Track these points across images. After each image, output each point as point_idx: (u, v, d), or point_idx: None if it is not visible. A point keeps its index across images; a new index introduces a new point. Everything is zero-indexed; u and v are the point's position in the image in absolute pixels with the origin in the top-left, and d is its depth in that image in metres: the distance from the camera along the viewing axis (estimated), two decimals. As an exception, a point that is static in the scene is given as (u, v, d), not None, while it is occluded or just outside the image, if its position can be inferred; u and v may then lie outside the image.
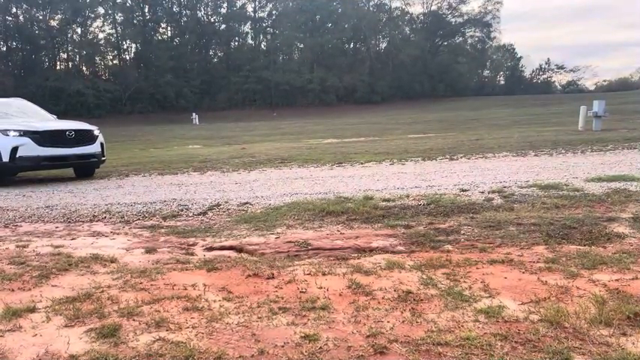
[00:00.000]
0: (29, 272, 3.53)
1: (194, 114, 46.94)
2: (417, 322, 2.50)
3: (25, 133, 8.68)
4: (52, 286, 3.26)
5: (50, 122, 9.94)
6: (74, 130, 9.24)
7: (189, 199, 6.65)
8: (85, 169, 10.01)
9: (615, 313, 2.47)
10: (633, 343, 2.21)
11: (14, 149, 8.49)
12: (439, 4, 67.02)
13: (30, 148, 8.59)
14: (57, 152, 8.94)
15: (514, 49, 75.95)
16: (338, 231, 4.70)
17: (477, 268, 3.31)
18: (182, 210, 5.96)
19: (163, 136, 27.74)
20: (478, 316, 2.54)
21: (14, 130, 8.68)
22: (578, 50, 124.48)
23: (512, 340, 2.27)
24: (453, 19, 67.44)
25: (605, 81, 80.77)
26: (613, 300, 2.67)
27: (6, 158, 8.52)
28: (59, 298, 2.97)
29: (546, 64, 76.42)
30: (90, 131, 9.56)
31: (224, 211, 5.80)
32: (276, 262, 3.59)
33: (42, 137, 8.73)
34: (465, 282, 3.06)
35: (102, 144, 9.71)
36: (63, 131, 9.14)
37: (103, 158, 9.94)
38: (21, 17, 53.10)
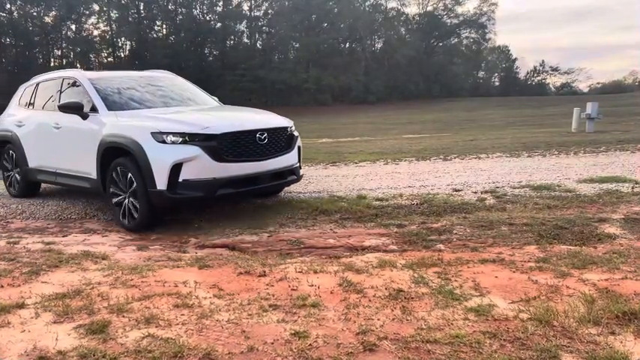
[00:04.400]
0: (19, 268, 3.51)
1: (189, 112, 46.63)
2: (407, 320, 2.50)
3: (192, 138, 4.84)
4: (42, 282, 3.24)
5: (225, 113, 6.01)
6: (266, 130, 5.28)
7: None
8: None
9: (604, 312, 2.49)
10: (621, 342, 2.23)
11: (175, 168, 4.75)
12: (435, 5, 67.22)
13: (202, 166, 4.81)
14: (245, 170, 5.06)
15: (509, 50, 76.25)
16: (331, 230, 4.71)
17: (468, 267, 3.32)
18: (175, 209, 5.94)
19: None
20: (468, 315, 2.55)
21: (174, 134, 4.84)
22: (573, 52, 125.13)
23: (501, 338, 2.28)
24: (449, 20, 67.63)
25: (598, 83, 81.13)
26: (602, 299, 2.69)
27: (162, 184, 4.75)
28: (49, 295, 2.96)
29: (541, 65, 76.76)
30: (285, 129, 5.61)
31: (218, 209, 5.78)
32: (268, 260, 3.59)
33: (221, 145, 4.89)
34: (456, 281, 3.07)
35: (299, 149, 5.89)
36: (252, 132, 5.16)
37: (302, 173, 6.10)
38: (15, 14, 52.76)
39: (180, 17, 61.08)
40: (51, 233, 4.98)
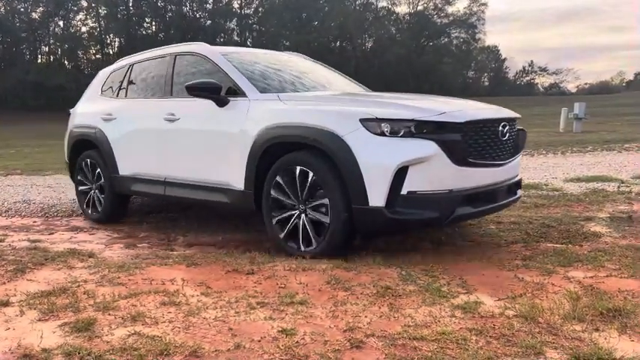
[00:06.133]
0: (4, 266, 3.47)
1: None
2: (394, 317, 2.51)
3: (419, 129, 3.28)
4: (28, 280, 3.21)
5: (430, 99, 4.16)
6: (508, 121, 3.76)
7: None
8: None
9: (589, 309, 2.52)
10: (605, 339, 2.25)
11: (400, 173, 3.24)
12: (425, 5, 67.45)
13: (437, 171, 3.29)
14: (483, 180, 3.56)
15: (498, 50, 76.86)
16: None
17: (456, 265, 3.34)
18: (164, 207, 5.91)
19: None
20: (455, 312, 2.56)
21: (396, 121, 3.30)
22: (562, 53, 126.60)
23: (487, 334, 2.29)
24: (439, 20, 67.87)
25: (586, 84, 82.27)
26: (587, 296, 2.72)
27: (378, 199, 3.25)
28: (34, 292, 2.92)
29: (530, 66, 77.52)
30: (516, 122, 3.99)
31: (208, 209, 5.76)
32: (257, 258, 3.57)
33: (466, 139, 3.39)
34: (443, 278, 3.08)
35: None
36: (496, 122, 3.64)
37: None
38: (2, 9, 52.13)
39: (170, 14, 60.64)
40: (37, 231, 4.93)
